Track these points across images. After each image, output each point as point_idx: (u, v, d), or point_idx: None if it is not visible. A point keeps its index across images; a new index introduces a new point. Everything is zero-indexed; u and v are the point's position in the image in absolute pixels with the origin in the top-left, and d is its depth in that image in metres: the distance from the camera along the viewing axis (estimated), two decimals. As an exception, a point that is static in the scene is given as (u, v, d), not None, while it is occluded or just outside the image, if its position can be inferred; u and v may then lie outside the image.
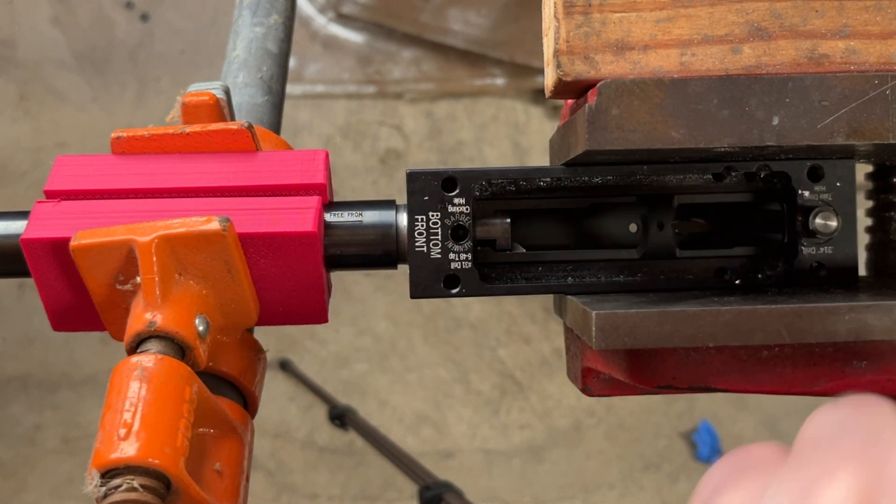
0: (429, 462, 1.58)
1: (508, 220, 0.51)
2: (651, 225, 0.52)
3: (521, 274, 0.51)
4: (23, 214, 0.49)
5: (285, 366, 1.96)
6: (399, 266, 0.51)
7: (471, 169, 0.49)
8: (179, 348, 0.43)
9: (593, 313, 0.41)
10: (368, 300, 2.03)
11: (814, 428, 0.28)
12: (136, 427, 0.38)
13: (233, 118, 0.55)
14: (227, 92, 0.54)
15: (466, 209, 0.49)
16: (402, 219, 0.50)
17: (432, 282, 0.49)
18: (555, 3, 0.45)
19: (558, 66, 0.45)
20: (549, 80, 0.47)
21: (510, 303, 2.07)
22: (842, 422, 0.28)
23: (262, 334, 0.55)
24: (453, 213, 0.49)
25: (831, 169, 0.50)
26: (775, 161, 0.50)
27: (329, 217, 0.50)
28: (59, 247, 0.47)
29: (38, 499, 1.82)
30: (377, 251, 0.50)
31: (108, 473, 0.37)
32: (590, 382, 0.51)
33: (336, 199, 0.53)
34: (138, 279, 0.45)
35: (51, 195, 0.50)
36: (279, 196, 0.49)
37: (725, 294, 0.48)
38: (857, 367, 0.46)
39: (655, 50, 0.45)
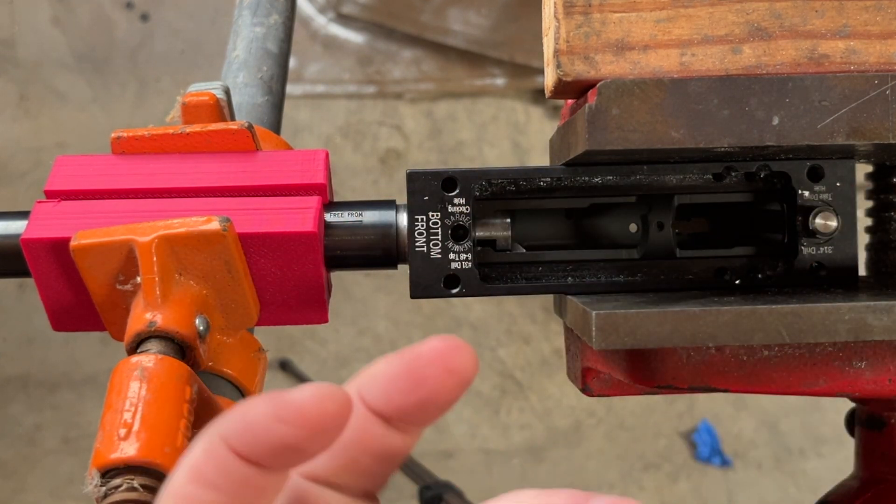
0: (429, 462, 1.58)
1: (508, 220, 0.51)
2: (651, 225, 0.52)
3: (521, 274, 0.51)
4: (23, 214, 0.49)
5: (285, 366, 1.96)
6: (399, 266, 0.51)
7: (471, 169, 0.49)
8: (179, 348, 0.43)
9: (593, 313, 0.41)
10: (368, 300, 2.03)
11: None
12: (136, 427, 0.38)
13: (233, 118, 0.55)
14: (227, 92, 0.54)
15: (466, 209, 0.49)
16: (402, 219, 0.50)
17: (432, 282, 0.49)
18: (555, 3, 0.45)
19: (558, 66, 0.45)
20: (549, 80, 0.47)
21: (510, 303, 2.07)
22: None
23: (262, 334, 0.55)
24: (453, 213, 0.49)
25: (831, 169, 0.50)
26: (775, 161, 0.50)
27: (329, 217, 0.50)
28: (59, 247, 0.47)
29: (38, 499, 1.82)
30: (377, 251, 0.50)
31: (109, 473, 0.37)
32: (590, 382, 0.51)
33: (336, 199, 0.53)
34: (138, 279, 0.45)
35: (51, 195, 0.50)
36: (279, 196, 0.49)
37: (725, 294, 0.48)
38: (857, 367, 0.46)
39: (655, 50, 0.45)
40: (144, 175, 0.50)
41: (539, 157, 2.10)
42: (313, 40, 2.11)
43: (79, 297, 0.48)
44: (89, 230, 0.46)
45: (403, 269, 0.51)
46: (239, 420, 0.29)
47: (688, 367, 0.46)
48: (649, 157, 0.48)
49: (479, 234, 0.50)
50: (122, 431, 0.38)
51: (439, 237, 0.49)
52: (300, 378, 1.95)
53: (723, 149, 0.45)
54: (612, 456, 2.01)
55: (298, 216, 0.48)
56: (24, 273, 0.49)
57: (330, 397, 0.28)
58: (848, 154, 0.49)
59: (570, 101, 0.53)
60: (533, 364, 2.04)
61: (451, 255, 0.49)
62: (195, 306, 0.45)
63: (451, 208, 0.49)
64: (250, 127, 0.51)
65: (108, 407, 0.39)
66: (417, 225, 0.49)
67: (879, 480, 0.54)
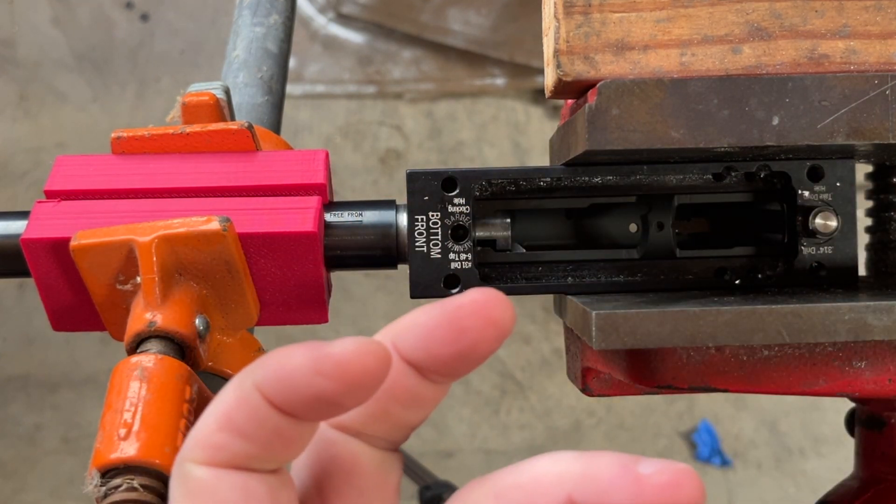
0: (429, 462, 1.58)
1: (508, 220, 0.51)
2: (651, 225, 0.52)
3: (521, 274, 0.51)
4: (23, 214, 0.49)
5: (285, 366, 1.96)
6: (399, 266, 0.51)
7: (471, 169, 0.49)
8: (179, 348, 0.43)
9: (593, 313, 0.41)
10: (368, 300, 2.03)
11: None
12: (136, 427, 0.38)
13: (233, 118, 0.55)
14: (227, 92, 0.54)
15: (466, 209, 0.49)
16: (402, 219, 0.50)
17: (432, 282, 0.49)
18: (555, 3, 0.45)
19: (558, 66, 0.45)
20: (549, 80, 0.47)
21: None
22: None
23: (262, 334, 0.55)
24: (453, 213, 0.49)
25: (831, 169, 0.50)
26: (775, 161, 0.50)
27: (329, 217, 0.50)
28: (59, 247, 0.47)
29: (38, 499, 1.82)
30: (377, 251, 0.50)
31: (108, 473, 0.37)
32: (590, 382, 0.51)
33: (336, 199, 0.53)
34: (138, 279, 0.45)
35: (51, 195, 0.50)
36: (279, 196, 0.49)
37: (725, 294, 0.48)
38: (857, 367, 0.46)
39: (655, 50, 0.45)
40: (144, 175, 0.50)
41: (539, 157, 2.10)
42: (313, 40, 2.11)
43: (79, 297, 0.48)
44: (89, 230, 0.46)
45: (403, 269, 0.51)
46: (276, 369, 0.28)
47: (688, 367, 0.46)
48: (649, 157, 0.48)
49: (479, 234, 0.50)
50: (122, 431, 0.38)
51: (439, 237, 0.49)
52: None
53: (723, 149, 0.45)
54: (612, 456, 2.00)
55: (298, 216, 0.48)
56: (24, 273, 0.49)
57: (371, 352, 0.28)
58: (848, 154, 0.49)
59: (570, 101, 0.53)
60: (533, 364, 2.04)
61: (451, 255, 0.49)
62: (195, 306, 0.45)
63: (451, 208, 0.49)
64: (250, 127, 0.51)
65: (108, 407, 0.39)
66: (417, 225, 0.49)
67: (879, 480, 0.54)
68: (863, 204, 0.56)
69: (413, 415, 0.33)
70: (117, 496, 0.37)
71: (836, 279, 0.50)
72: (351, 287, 2.03)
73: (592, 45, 0.45)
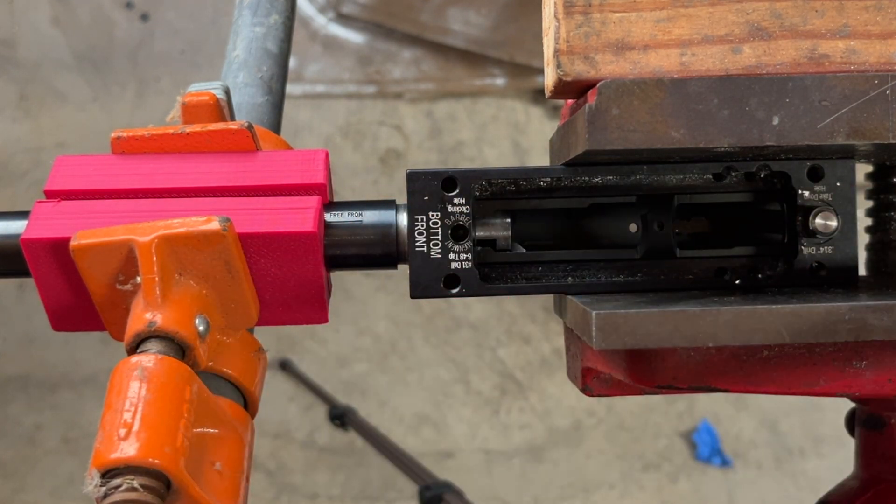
0: (429, 462, 1.58)
1: (508, 220, 0.51)
2: (651, 225, 0.52)
3: (521, 274, 0.51)
4: (23, 214, 0.49)
5: (285, 366, 1.96)
6: (399, 266, 0.51)
7: (471, 169, 0.49)
8: (179, 348, 0.43)
9: (593, 313, 0.41)
10: (368, 300, 2.03)
11: None
12: (136, 427, 0.38)
13: (233, 118, 0.55)
14: (227, 92, 0.54)
15: (466, 209, 0.49)
16: (402, 219, 0.50)
17: (432, 282, 0.49)
18: (555, 3, 0.45)
19: (558, 66, 0.45)
20: (549, 80, 0.47)
21: (510, 303, 2.07)
22: None
23: (262, 334, 0.55)
24: (453, 213, 0.49)
25: (831, 169, 0.50)
26: (775, 161, 0.50)
27: (329, 217, 0.50)
28: (59, 247, 0.47)
29: (38, 499, 1.82)
30: (377, 251, 0.50)
31: (109, 473, 0.37)
32: (590, 382, 0.51)
33: (336, 199, 0.53)
34: (138, 279, 0.45)
35: (51, 195, 0.50)
36: (279, 196, 0.49)
37: (725, 294, 0.48)
38: (857, 367, 0.46)
39: (655, 50, 0.45)
40: (144, 175, 0.50)
41: (539, 157, 2.10)
42: (313, 40, 2.11)
43: (79, 297, 0.48)
44: (89, 230, 0.46)
45: (403, 269, 0.51)
46: None
47: (688, 367, 0.46)
48: (649, 157, 0.48)
49: (479, 234, 0.50)
50: (122, 431, 0.38)
51: (439, 237, 0.49)
52: (300, 378, 1.95)
53: (723, 149, 0.45)
54: (612, 456, 2.01)
55: (298, 216, 0.48)
56: (24, 273, 0.49)
57: None
58: (848, 154, 0.49)
59: (570, 101, 0.53)
60: (533, 364, 2.04)
61: (451, 255, 0.49)
62: (195, 306, 0.45)
63: (451, 208, 0.49)
64: (250, 127, 0.51)
65: (108, 407, 0.39)
66: (417, 225, 0.49)
67: (879, 480, 0.54)
68: (863, 204, 0.56)
69: None
70: (117, 496, 0.37)
71: (836, 279, 0.50)
72: (351, 287, 2.03)
73: (592, 45, 0.45)
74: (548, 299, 1.81)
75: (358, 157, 2.08)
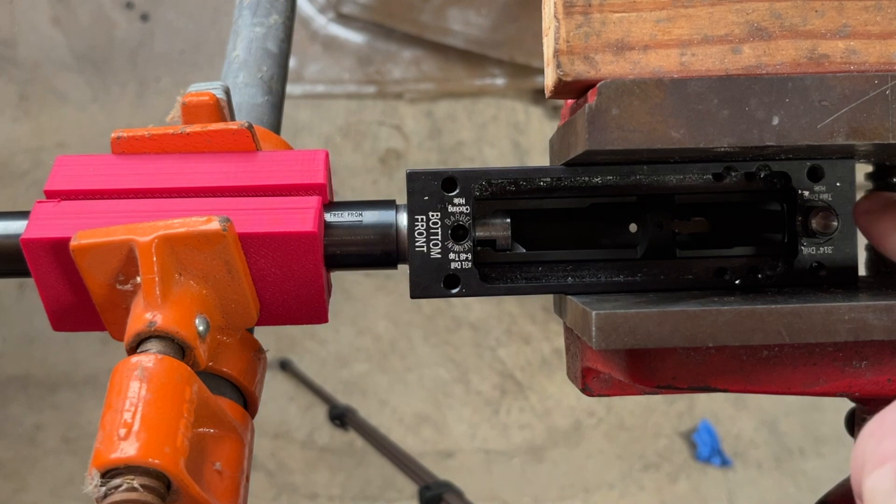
0: (429, 462, 1.58)
1: (508, 220, 0.51)
2: (651, 225, 0.52)
3: (521, 274, 0.51)
4: (23, 214, 0.49)
5: (285, 366, 1.96)
6: (399, 266, 0.51)
7: (471, 169, 0.49)
8: (179, 348, 0.43)
9: (593, 313, 0.41)
10: (368, 300, 2.03)
11: None
12: (136, 427, 0.38)
13: (233, 118, 0.55)
14: (227, 92, 0.54)
15: (466, 209, 0.49)
16: (402, 219, 0.50)
17: (432, 282, 0.49)
18: (555, 3, 0.45)
19: (558, 66, 0.45)
20: (549, 80, 0.47)
21: (510, 303, 2.07)
22: None
23: (262, 334, 0.55)
24: (453, 213, 0.49)
25: (831, 169, 0.50)
26: (775, 161, 0.50)
27: (329, 217, 0.50)
28: (59, 247, 0.47)
29: (38, 499, 1.82)
30: (377, 251, 0.50)
31: (109, 473, 0.37)
32: (590, 382, 0.51)
33: (336, 199, 0.53)
34: (138, 279, 0.45)
35: (51, 195, 0.50)
36: (279, 196, 0.49)
37: (725, 294, 0.48)
38: (857, 367, 0.46)
39: (655, 50, 0.45)
40: (144, 175, 0.50)
41: (539, 157, 2.10)
42: (313, 40, 2.11)
43: (79, 297, 0.48)
44: (89, 230, 0.46)
45: (403, 269, 0.51)
46: None
47: (688, 367, 0.46)
48: (649, 157, 0.48)
49: (479, 234, 0.50)
50: (122, 431, 0.38)
51: (439, 237, 0.49)
52: (300, 378, 1.95)
53: (723, 149, 0.45)
54: (612, 456, 2.01)
55: (298, 216, 0.48)
56: (24, 273, 0.49)
57: None
58: (848, 154, 0.49)
59: (570, 101, 0.53)
60: (533, 364, 2.04)
61: (451, 255, 0.49)
62: (195, 306, 0.45)
63: (451, 208, 0.49)
64: (250, 127, 0.51)
65: (108, 407, 0.39)
66: (417, 225, 0.49)
67: (879, 480, 0.54)
68: (863, 204, 0.56)
69: None
70: (117, 496, 0.37)
71: (836, 279, 0.50)
72: (351, 287, 2.03)
73: (592, 45, 0.45)
74: (548, 299, 1.81)
75: (358, 157, 2.09)
